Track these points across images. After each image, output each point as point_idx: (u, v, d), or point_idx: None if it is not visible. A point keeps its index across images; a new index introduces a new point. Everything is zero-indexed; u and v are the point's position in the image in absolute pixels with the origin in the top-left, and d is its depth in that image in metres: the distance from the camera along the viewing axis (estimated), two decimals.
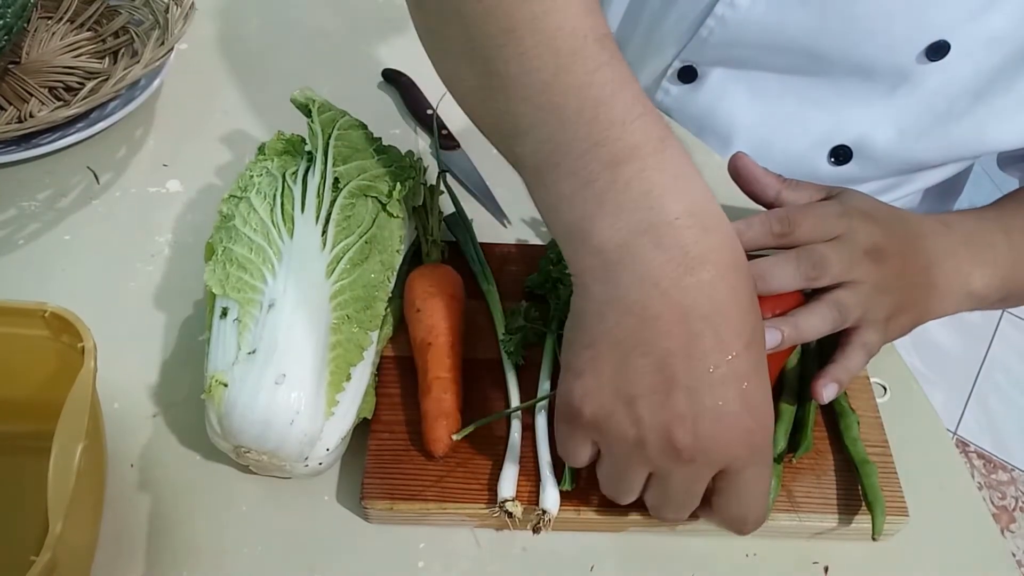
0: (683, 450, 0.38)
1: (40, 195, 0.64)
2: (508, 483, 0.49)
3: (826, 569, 0.51)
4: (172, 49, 0.68)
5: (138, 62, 0.64)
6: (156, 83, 0.69)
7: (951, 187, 0.86)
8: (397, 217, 0.55)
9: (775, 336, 0.47)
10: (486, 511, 0.48)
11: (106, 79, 0.64)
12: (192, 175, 0.67)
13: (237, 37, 0.79)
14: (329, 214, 0.52)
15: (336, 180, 0.54)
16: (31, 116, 0.64)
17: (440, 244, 0.59)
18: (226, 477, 0.51)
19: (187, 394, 0.54)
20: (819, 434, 0.54)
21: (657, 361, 0.38)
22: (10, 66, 0.67)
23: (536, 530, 0.48)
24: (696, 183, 0.40)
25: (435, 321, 0.53)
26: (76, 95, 0.64)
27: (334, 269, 0.50)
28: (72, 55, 0.70)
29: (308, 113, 0.58)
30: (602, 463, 0.43)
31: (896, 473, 0.52)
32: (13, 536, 0.46)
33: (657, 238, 0.38)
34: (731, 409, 0.38)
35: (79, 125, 0.65)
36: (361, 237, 0.52)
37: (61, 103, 0.66)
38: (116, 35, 0.73)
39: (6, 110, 0.66)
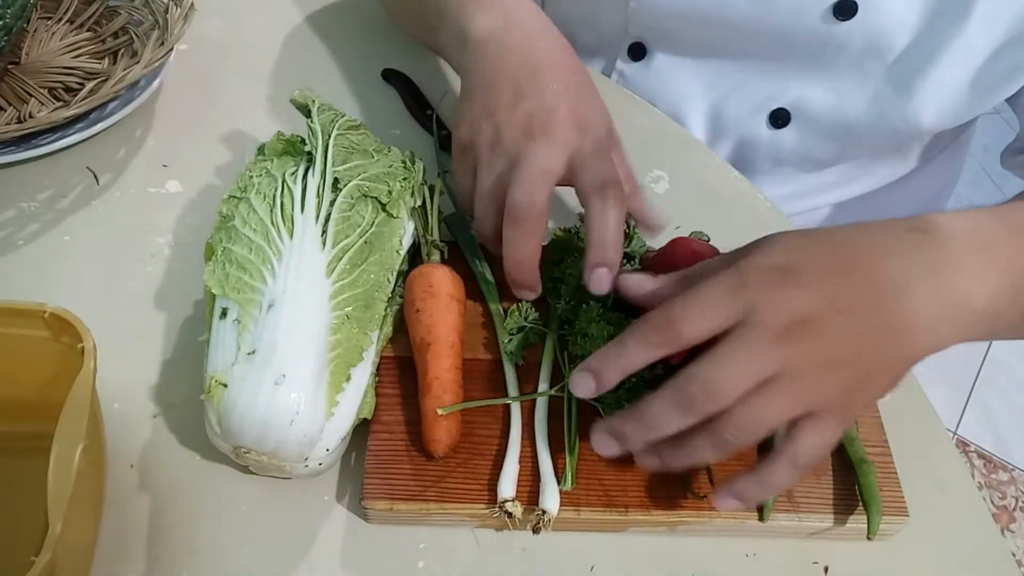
0: (533, 128, 0.51)
1: (40, 196, 0.64)
2: (508, 483, 0.49)
3: (826, 569, 0.51)
4: (172, 49, 0.67)
5: (138, 62, 0.64)
6: (156, 83, 0.69)
7: (940, 189, 0.86)
8: (397, 218, 0.55)
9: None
10: (486, 511, 0.49)
11: (106, 79, 0.64)
12: (192, 176, 0.67)
13: (237, 37, 0.79)
14: (329, 214, 0.52)
15: (336, 180, 0.54)
16: (31, 116, 0.64)
17: (440, 244, 0.59)
18: (226, 477, 0.51)
19: (187, 394, 0.54)
20: None
21: (511, 85, 0.53)
22: (10, 66, 0.67)
23: (536, 530, 0.48)
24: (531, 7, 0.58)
25: (435, 321, 0.53)
26: (76, 96, 0.64)
27: (334, 269, 0.50)
28: (72, 55, 0.70)
29: (308, 113, 0.58)
30: (478, 178, 0.54)
31: (896, 473, 0.52)
32: (13, 536, 0.46)
33: (508, 26, 0.56)
34: (566, 109, 0.52)
35: (79, 125, 0.65)
36: (361, 237, 0.52)
37: (61, 104, 0.66)
38: (116, 35, 0.73)
39: (6, 110, 0.66)
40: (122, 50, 0.73)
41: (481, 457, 0.51)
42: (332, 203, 0.53)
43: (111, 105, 0.67)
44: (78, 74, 0.69)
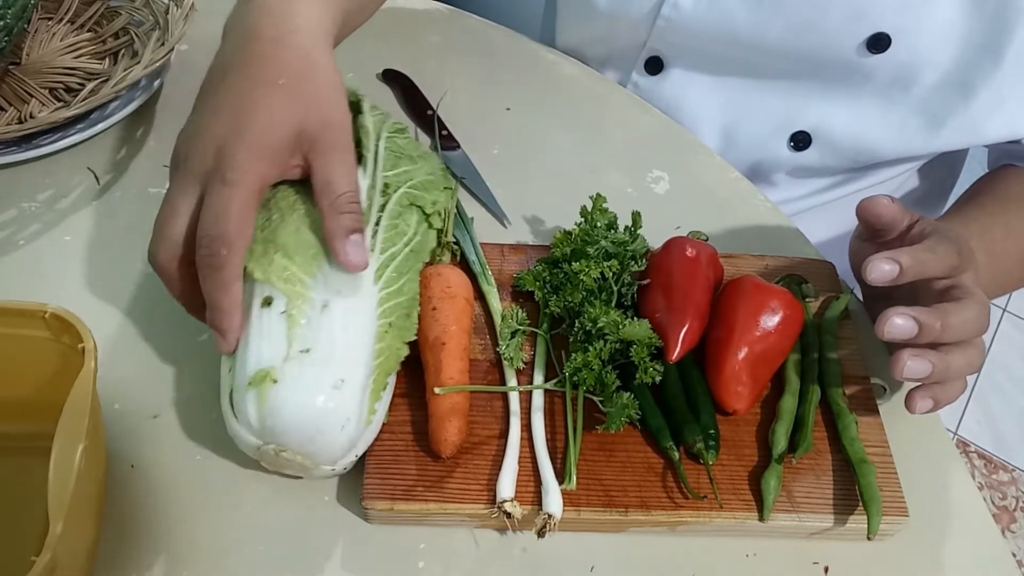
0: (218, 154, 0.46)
1: (40, 196, 0.64)
2: (507, 483, 0.49)
3: (826, 569, 0.51)
4: (172, 50, 0.68)
5: (138, 63, 0.64)
6: (156, 84, 0.69)
7: (938, 192, 0.86)
8: (433, 228, 0.55)
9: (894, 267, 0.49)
10: (486, 511, 0.49)
11: (106, 80, 0.64)
12: None
13: None
14: (379, 220, 0.51)
15: (386, 186, 0.53)
16: (31, 117, 0.64)
17: (454, 246, 0.59)
18: (226, 478, 0.51)
19: (187, 394, 0.54)
20: (819, 434, 0.54)
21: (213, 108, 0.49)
22: (10, 67, 0.67)
23: (541, 534, 0.48)
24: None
25: (451, 321, 0.53)
26: (76, 96, 0.64)
27: (381, 276, 0.50)
28: (72, 56, 0.70)
29: (358, 110, 0.55)
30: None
31: (896, 473, 0.52)
32: (13, 536, 0.46)
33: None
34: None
35: (79, 126, 0.65)
36: (407, 247, 0.52)
37: (61, 104, 0.66)
38: (116, 36, 0.73)
39: (6, 111, 0.66)
40: (123, 50, 0.73)
41: (481, 457, 0.51)
42: (382, 208, 0.52)
43: (112, 105, 0.67)
44: (79, 74, 0.69)
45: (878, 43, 0.66)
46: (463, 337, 0.53)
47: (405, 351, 0.50)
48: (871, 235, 0.57)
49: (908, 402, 0.51)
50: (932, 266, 0.50)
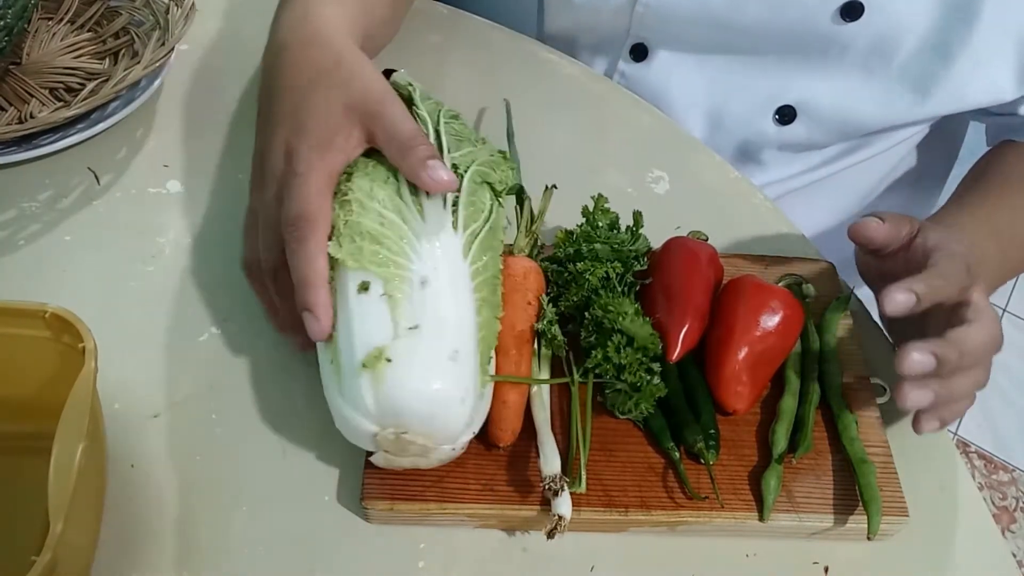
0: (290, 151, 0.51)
1: (41, 196, 0.64)
2: (553, 460, 0.48)
3: (826, 569, 0.51)
4: (172, 50, 0.68)
5: (139, 63, 0.64)
6: (156, 84, 0.69)
7: (938, 172, 0.86)
8: (502, 207, 0.55)
9: (910, 298, 0.49)
10: (487, 511, 0.49)
11: (107, 80, 0.64)
12: (193, 176, 0.67)
13: (237, 37, 0.79)
14: (456, 199, 0.51)
15: (455, 166, 0.53)
16: (32, 117, 0.64)
17: (538, 243, 0.59)
18: (227, 477, 0.51)
19: (187, 394, 0.54)
20: (819, 434, 0.54)
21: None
22: (11, 67, 0.67)
23: (551, 535, 0.47)
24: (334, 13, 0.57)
25: (533, 321, 0.54)
26: (77, 96, 0.64)
27: (469, 251, 0.50)
28: (72, 56, 0.70)
29: (410, 100, 0.57)
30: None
31: (896, 473, 0.52)
32: (13, 536, 0.46)
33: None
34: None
35: (80, 126, 0.65)
36: (486, 223, 0.52)
37: (62, 104, 0.66)
38: (116, 36, 0.73)
39: (7, 111, 0.66)
40: (123, 50, 0.73)
41: (481, 457, 0.51)
42: (458, 187, 0.52)
43: (112, 105, 0.67)
44: (79, 74, 0.69)
45: (851, 11, 0.66)
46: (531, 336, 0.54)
47: (498, 326, 0.50)
48: (870, 252, 0.57)
49: (915, 425, 0.50)
50: (946, 291, 0.51)
